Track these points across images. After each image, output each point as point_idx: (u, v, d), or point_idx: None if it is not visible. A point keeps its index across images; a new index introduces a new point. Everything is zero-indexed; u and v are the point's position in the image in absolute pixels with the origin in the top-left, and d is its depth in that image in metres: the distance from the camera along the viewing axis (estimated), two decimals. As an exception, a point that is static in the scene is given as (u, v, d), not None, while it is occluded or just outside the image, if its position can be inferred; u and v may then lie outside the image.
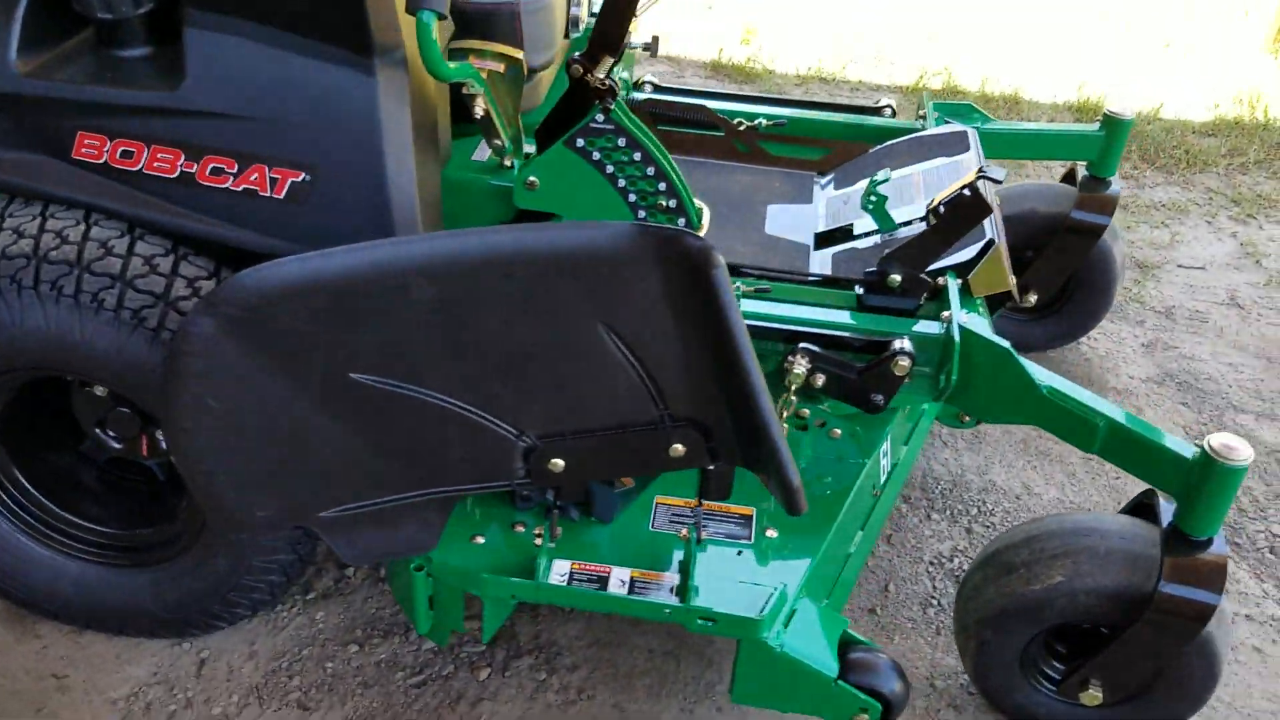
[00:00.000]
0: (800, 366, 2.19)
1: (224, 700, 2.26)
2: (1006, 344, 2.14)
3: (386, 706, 2.25)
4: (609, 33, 2.06)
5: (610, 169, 2.09)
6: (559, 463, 1.76)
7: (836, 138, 3.05)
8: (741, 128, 3.07)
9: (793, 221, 2.73)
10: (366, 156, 1.81)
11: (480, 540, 2.05)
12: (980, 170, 2.20)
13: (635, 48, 3.02)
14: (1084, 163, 3.05)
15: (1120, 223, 4.07)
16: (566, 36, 2.51)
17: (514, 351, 1.63)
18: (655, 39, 3.06)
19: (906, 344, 2.17)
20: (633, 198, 2.13)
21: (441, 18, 1.72)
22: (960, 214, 2.20)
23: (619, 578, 2.02)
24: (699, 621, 1.94)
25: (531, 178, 2.12)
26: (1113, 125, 3.00)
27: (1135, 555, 1.97)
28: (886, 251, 2.27)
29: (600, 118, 2.03)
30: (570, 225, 1.70)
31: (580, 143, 2.06)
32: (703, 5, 5.74)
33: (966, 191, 2.16)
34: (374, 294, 1.54)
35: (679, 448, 1.76)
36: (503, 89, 2.02)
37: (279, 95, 1.82)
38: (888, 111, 3.14)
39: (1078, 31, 5.83)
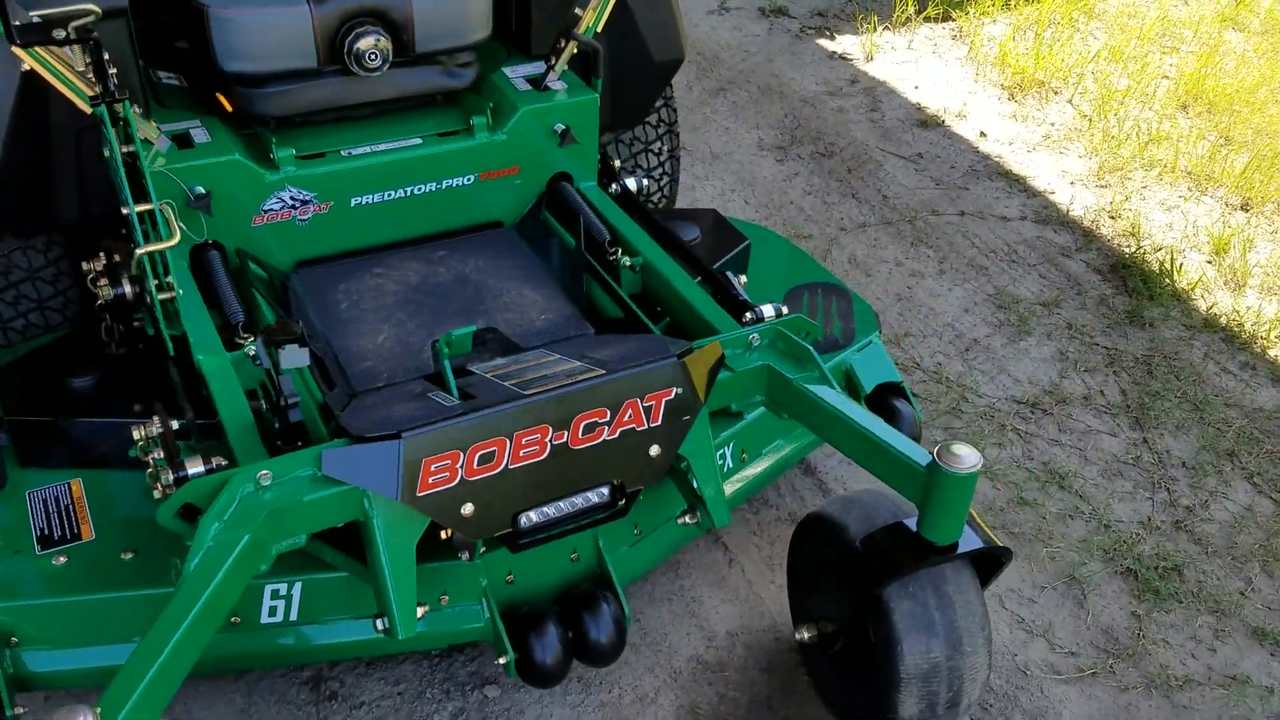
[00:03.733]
0: (152, 428, 2.11)
1: None
2: None
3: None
4: None
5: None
6: None
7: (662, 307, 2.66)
8: (611, 258, 2.69)
9: None
10: None
11: None
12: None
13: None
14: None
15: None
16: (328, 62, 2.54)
17: None
18: (567, 129, 2.81)
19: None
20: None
21: None
22: None
23: None
24: None
25: None
26: (938, 476, 2.03)
27: None
28: None
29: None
30: None
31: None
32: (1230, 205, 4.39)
33: None
34: None
35: None
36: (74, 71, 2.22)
37: None
38: (749, 315, 2.47)
39: None
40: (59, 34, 2.13)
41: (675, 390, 2.17)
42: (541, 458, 2.07)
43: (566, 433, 2.08)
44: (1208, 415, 3.33)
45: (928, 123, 4.87)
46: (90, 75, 2.18)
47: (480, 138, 2.75)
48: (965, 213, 4.28)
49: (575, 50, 2.83)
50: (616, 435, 2.13)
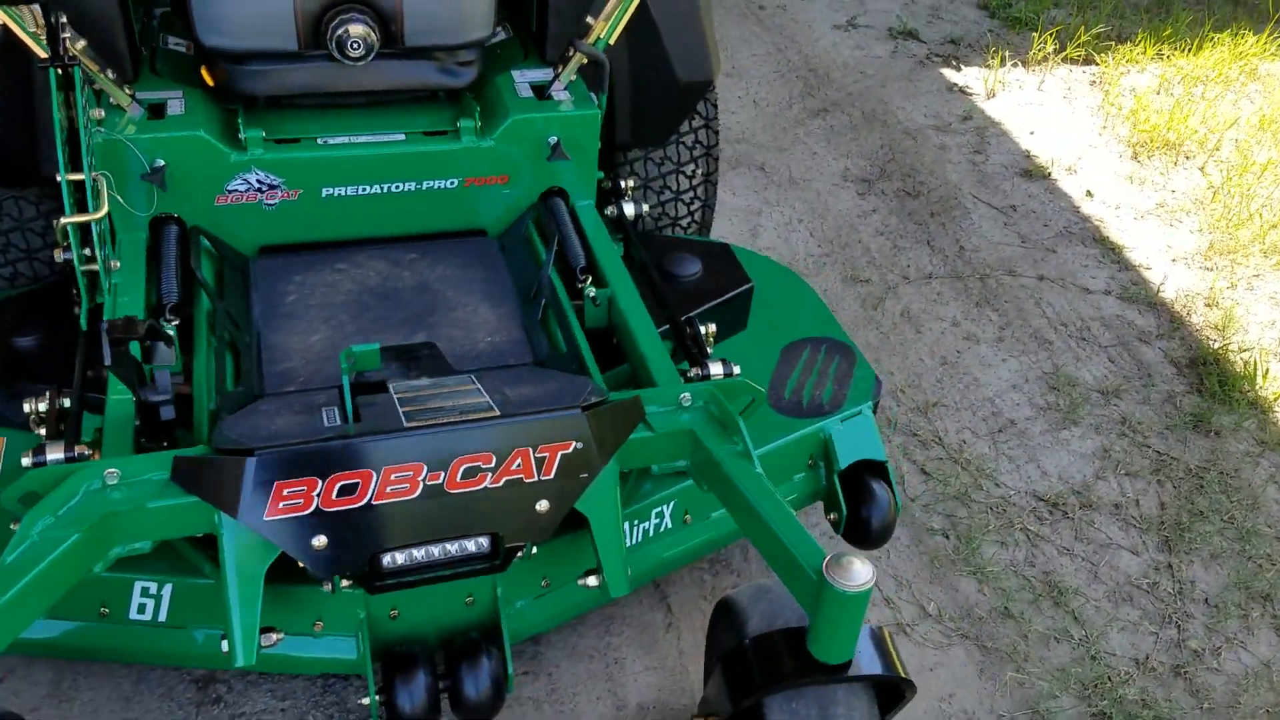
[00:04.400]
0: (41, 402, 2.08)
1: None
2: None
3: None
4: None
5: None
6: None
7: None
8: (579, 284, 2.53)
9: None
10: None
11: None
12: None
13: None
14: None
15: None
16: (312, 46, 2.44)
17: None
18: (558, 142, 2.64)
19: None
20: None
21: None
22: None
23: None
24: None
25: None
26: (825, 590, 1.81)
27: None
28: None
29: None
30: None
31: None
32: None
33: None
34: None
35: None
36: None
37: None
38: (694, 371, 2.29)
39: None
40: None
41: (574, 444, 2.00)
42: (411, 497, 1.94)
43: (444, 474, 1.94)
44: (1251, 548, 2.95)
45: (1032, 173, 4.51)
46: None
47: (466, 141, 2.62)
48: (1045, 277, 3.93)
49: (584, 60, 2.67)
50: (500, 484, 1.98)
